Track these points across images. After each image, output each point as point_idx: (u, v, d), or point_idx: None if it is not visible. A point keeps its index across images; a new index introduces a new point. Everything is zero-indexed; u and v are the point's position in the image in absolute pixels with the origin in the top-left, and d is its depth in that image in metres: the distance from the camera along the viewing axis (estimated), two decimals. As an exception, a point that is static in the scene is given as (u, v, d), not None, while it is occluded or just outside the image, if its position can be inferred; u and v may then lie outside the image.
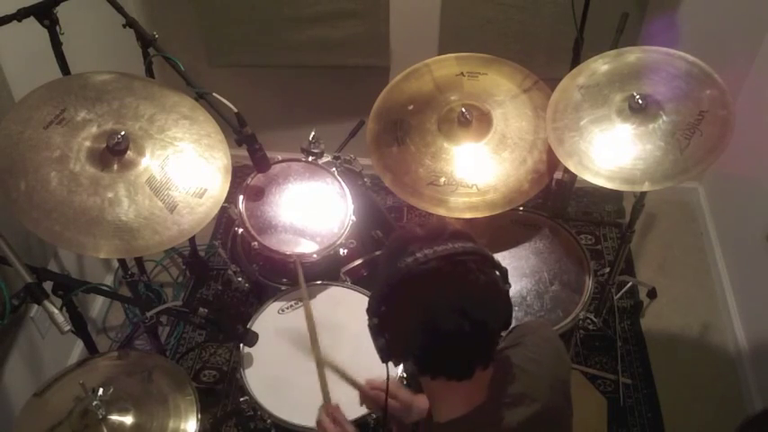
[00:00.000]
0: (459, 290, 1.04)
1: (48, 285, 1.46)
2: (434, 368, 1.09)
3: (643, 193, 1.93)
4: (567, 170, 2.23)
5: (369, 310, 1.12)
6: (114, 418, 1.51)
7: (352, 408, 1.64)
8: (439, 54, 2.18)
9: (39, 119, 1.61)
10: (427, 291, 1.04)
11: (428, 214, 1.91)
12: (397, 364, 1.14)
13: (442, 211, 1.88)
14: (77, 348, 2.36)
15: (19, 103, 1.66)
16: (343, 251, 1.98)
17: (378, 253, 2.07)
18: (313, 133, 2.16)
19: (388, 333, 1.10)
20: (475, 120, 1.93)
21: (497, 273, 1.09)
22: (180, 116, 1.75)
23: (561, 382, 1.23)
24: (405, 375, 1.71)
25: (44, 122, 1.61)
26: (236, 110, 1.74)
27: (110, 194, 1.59)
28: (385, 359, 1.13)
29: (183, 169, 1.69)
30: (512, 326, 1.17)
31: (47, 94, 1.66)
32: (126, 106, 1.72)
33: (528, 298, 1.92)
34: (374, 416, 1.64)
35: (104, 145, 1.62)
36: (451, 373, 1.08)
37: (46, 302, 1.34)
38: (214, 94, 1.76)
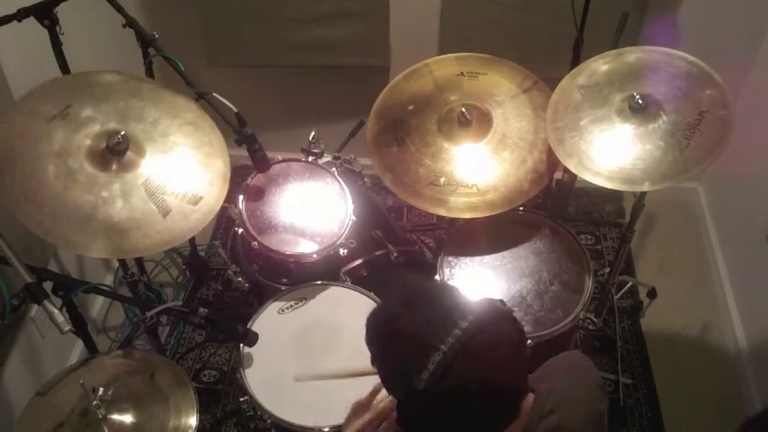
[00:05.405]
0: (489, 368, 0.99)
1: (48, 285, 1.46)
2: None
3: (643, 193, 1.93)
4: (567, 170, 2.23)
5: None
6: (115, 417, 1.52)
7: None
8: (439, 54, 2.18)
9: (43, 112, 1.60)
10: (465, 398, 0.98)
11: (428, 214, 1.91)
12: None
13: (442, 212, 1.88)
14: (77, 348, 2.36)
15: (25, 96, 1.65)
16: (343, 251, 1.98)
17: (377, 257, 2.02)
18: (313, 133, 2.16)
19: None
20: (475, 120, 1.93)
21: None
22: (184, 122, 1.74)
23: (597, 415, 1.22)
24: None
25: (48, 116, 1.60)
26: (236, 110, 1.74)
27: (104, 193, 1.58)
28: None
29: (181, 175, 1.67)
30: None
31: (54, 90, 1.65)
32: (131, 107, 1.70)
33: (528, 298, 1.91)
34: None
35: (104, 144, 1.61)
36: (503, 424, 1.06)
37: (46, 302, 1.34)
38: (214, 94, 1.75)
